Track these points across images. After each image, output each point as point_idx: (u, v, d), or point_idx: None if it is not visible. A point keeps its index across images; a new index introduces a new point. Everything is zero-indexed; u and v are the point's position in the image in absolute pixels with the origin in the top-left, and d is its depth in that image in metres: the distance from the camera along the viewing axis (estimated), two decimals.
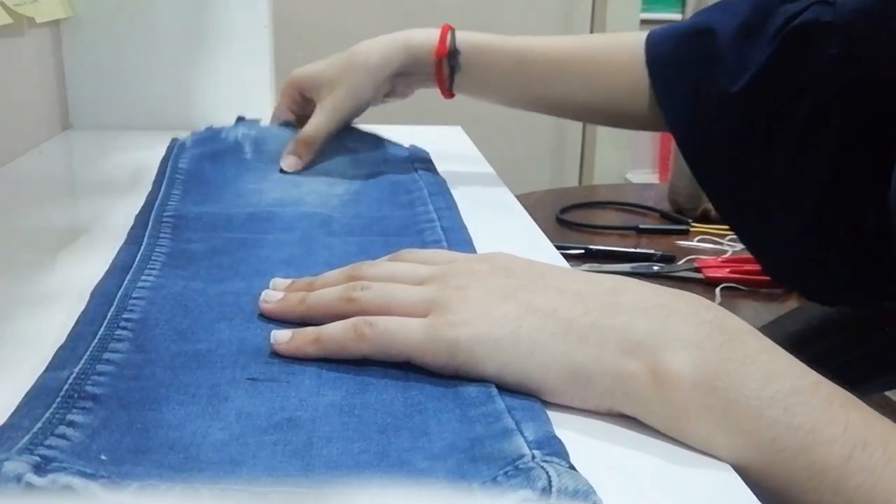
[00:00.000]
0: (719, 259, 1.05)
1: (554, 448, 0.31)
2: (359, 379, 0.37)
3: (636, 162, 2.41)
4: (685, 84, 0.66)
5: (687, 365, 0.33)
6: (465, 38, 0.75)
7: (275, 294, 0.43)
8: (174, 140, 0.75)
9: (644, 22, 2.32)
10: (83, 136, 0.94)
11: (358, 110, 0.76)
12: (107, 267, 0.48)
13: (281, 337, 0.39)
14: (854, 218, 0.60)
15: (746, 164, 0.64)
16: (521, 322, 0.36)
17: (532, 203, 1.33)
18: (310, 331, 0.39)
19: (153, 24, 0.94)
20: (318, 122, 0.74)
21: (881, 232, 0.57)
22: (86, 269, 0.51)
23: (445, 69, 0.74)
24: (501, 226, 0.61)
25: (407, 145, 0.80)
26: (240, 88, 0.97)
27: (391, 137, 0.80)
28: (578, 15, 2.33)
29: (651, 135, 2.40)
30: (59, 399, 0.33)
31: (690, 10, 1.30)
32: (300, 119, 0.79)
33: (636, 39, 0.70)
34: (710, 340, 0.34)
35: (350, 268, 0.44)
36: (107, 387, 0.35)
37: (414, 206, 0.63)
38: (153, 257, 0.49)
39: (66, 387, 0.34)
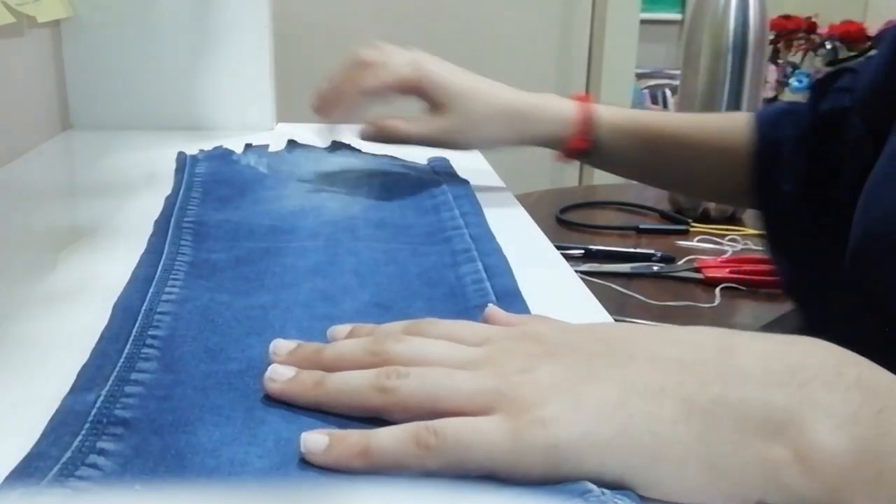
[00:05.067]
0: (719, 259, 1.05)
1: (625, 493, 0.29)
2: None
3: None
4: (771, 181, 0.68)
5: (841, 445, 0.28)
6: (605, 120, 0.72)
7: (283, 371, 0.35)
8: (182, 153, 0.74)
9: (644, 22, 2.31)
10: (83, 136, 0.94)
11: (454, 146, 0.73)
12: (108, 267, 0.49)
13: (314, 445, 0.31)
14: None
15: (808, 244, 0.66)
16: (628, 410, 0.30)
17: (532, 203, 1.33)
18: (354, 439, 0.31)
19: (153, 24, 0.94)
20: (419, 129, 0.70)
21: None
22: (86, 269, 0.52)
23: (580, 146, 0.73)
24: (501, 226, 0.61)
25: (421, 162, 0.79)
26: (240, 88, 0.97)
27: None
28: (578, 15, 2.33)
29: None
30: (87, 425, 0.31)
31: (690, 11, 1.30)
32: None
33: (745, 123, 0.70)
34: (863, 410, 0.29)
35: (370, 340, 0.37)
36: (137, 409, 0.33)
37: (439, 211, 0.62)
38: (175, 267, 0.48)
39: (95, 411, 0.32)
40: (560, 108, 0.72)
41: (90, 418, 0.32)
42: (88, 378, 0.35)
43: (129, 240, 0.53)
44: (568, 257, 1.07)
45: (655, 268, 1.05)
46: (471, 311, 0.45)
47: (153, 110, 0.96)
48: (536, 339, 0.35)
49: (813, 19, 2.39)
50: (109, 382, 0.35)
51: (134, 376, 0.35)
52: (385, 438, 0.31)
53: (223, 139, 0.92)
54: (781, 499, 0.29)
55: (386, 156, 0.78)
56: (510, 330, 0.37)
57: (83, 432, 0.31)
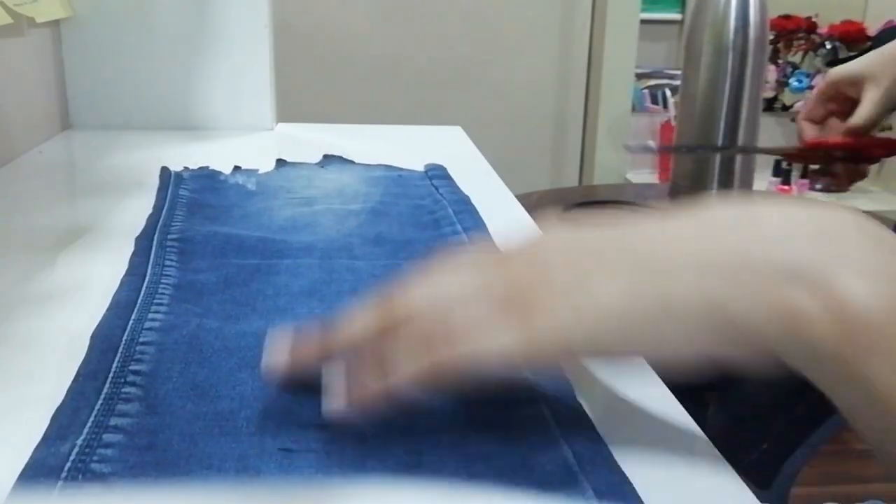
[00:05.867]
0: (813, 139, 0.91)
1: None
2: (410, 447, 0.32)
3: (636, 162, 2.40)
4: None
5: (871, 296, 0.27)
6: None
7: (281, 354, 0.35)
8: (166, 169, 0.71)
9: (644, 22, 2.31)
10: (83, 136, 0.93)
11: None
12: (108, 267, 0.48)
13: (333, 408, 0.32)
14: None
15: None
16: (638, 287, 0.29)
17: (532, 203, 1.33)
18: (372, 384, 0.32)
19: (153, 24, 0.93)
20: (866, 111, 0.83)
21: None
22: (86, 269, 0.51)
23: None
24: (502, 226, 0.61)
25: (420, 163, 0.77)
26: (240, 88, 0.96)
27: (391, 137, 0.80)
28: (578, 15, 2.33)
29: (651, 135, 2.39)
30: (60, 482, 0.29)
31: (691, 10, 1.30)
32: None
33: None
34: (893, 267, 0.27)
35: (378, 302, 0.35)
36: (115, 463, 0.30)
37: (440, 226, 0.60)
38: (160, 290, 0.45)
39: (69, 465, 0.29)
40: None
41: (63, 475, 0.29)
42: (62, 425, 0.32)
43: (129, 240, 0.53)
44: None
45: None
46: None
47: (153, 110, 0.96)
48: (543, 250, 0.34)
49: (813, 19, 2.39)
50: (86, 429, 0.32)
51: (113, 421, 0.32)
52: (398, 361, 0.31)
53: (223, 139, 0.93)
54: (797, 352, 0.28)
55: (381, 165, 0.77)
56: (518, 248, 0.36)
57: (56, 492, 0.28)
